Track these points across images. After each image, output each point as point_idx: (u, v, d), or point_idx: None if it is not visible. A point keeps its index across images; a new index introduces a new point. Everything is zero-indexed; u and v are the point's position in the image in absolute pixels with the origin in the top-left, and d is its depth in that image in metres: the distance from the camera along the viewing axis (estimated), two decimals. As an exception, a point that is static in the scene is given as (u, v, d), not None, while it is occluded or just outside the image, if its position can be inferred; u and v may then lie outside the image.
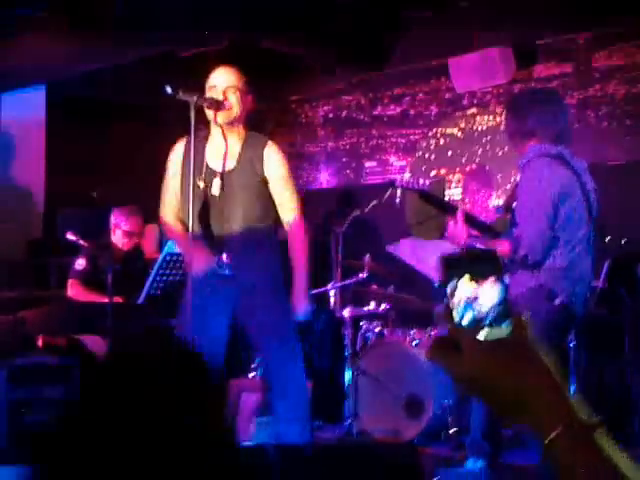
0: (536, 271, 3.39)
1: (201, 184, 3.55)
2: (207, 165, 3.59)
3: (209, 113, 3.55)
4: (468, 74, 5.86)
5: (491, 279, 0.90)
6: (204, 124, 3.61)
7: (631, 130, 5.53)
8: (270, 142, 3.66)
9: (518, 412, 0.88)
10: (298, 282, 3.58)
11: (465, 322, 0.89)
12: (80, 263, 5.37)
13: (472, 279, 0.90)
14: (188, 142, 3.56)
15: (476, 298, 0.89)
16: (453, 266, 0.92)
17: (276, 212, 3.64)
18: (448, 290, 0.91)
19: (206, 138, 3.64)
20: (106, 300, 4.80)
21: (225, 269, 3.52)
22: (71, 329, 5.12)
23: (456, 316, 0.90)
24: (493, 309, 0.89)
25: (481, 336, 0.89)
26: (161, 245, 5.55)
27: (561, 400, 0.86)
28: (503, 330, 0.89)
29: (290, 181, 3.66)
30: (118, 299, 4.87)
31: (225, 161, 3.60)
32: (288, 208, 3.61)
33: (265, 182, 3.59)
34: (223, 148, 3.61)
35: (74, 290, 5.37)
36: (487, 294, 0.89)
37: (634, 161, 5.42)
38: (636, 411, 4.59)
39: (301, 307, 3.59)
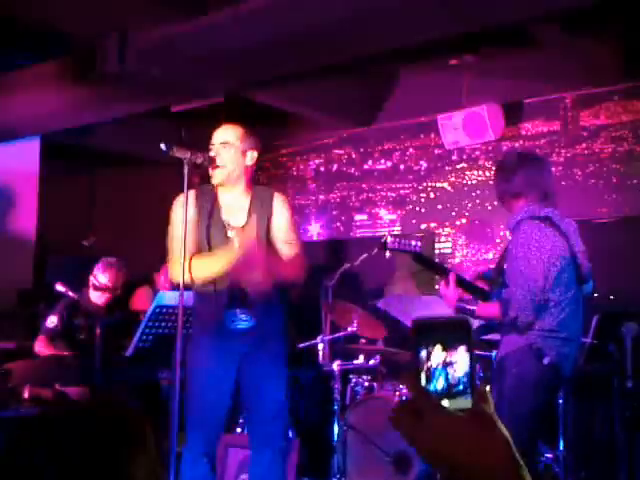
0: (526, 331, 3.41)
1: (231, 233, 3.49)
2: (222, 219, 3.56)
3: (210, 171, 3.54)
4: (456, 132, 5.94)
5: (464, 347, 0.91)
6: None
7: (617, 188, 5.61)
8: (277, 193, 3.66)
9: None
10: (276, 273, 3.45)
11: (438, 387, 0.91)
12: (52, 321, 5.30)
13: (445, 347, 0.91)
14: (196, 193, 3.55)
15: (451, 364, 0.91)
16: (424, 332, 0.93)
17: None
18: (421, 355, 0.92)
19: (214, 190, 3.60)
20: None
21: (239, 323, 3.47)
22: (58, 381, 5.08)
23: (426, 380, 0.91)
24: (464, 377, 0.91)
25: (444, 405, 0.90)
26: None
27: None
28: (466, 401, 0.90)
29: (294, 224, 3.66)
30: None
31: (236, 217, 3.57)
32: (289, 244, 3.58)
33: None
34: (232, 204, 3.59)
35: (39, 346, 5.31)
36: (461, 361, 0.91)
37: (620, 218, 5.49)
38: (623, 465, 4.59)
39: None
